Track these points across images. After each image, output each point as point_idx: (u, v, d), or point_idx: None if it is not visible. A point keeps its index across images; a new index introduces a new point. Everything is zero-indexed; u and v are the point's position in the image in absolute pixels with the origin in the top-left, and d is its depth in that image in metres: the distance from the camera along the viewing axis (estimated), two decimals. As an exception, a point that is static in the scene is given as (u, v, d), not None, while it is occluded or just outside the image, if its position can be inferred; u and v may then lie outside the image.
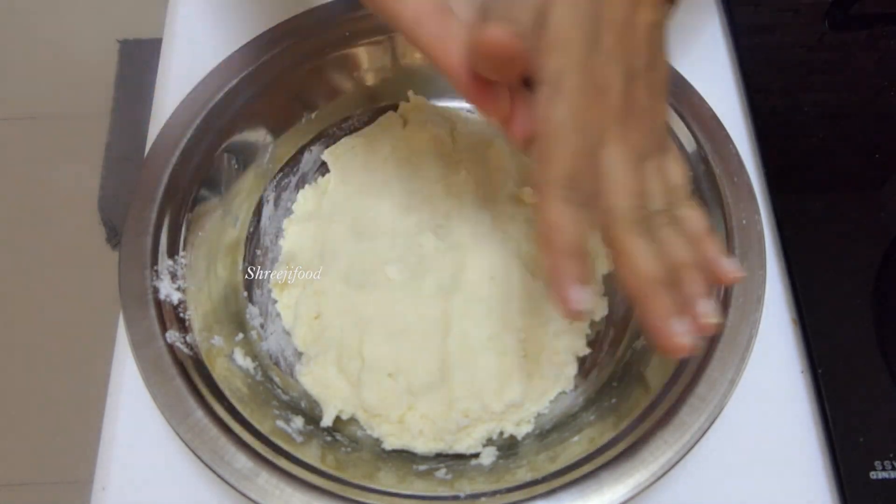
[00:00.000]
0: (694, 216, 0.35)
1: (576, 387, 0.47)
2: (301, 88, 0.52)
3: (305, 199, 0.52)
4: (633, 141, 0.32)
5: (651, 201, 0.33)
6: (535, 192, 0.32)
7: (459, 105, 0.55)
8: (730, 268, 0.35)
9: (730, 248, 0.44)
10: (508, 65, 0.32)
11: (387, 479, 0.40)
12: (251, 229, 0.51)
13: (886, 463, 0.43)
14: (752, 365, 0.40)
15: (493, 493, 0.38)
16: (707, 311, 0.33)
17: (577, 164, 0.31)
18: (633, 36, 0.32)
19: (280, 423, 0.42)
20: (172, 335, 0.41)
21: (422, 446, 0.43)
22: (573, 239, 0.30)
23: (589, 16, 0.31)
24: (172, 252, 0.44)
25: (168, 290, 0.43)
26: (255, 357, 0.46)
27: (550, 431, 0.44)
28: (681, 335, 0.32)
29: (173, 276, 0.44)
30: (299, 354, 0.48)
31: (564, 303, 0.31)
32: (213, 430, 0.38)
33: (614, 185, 0.32)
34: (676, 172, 0.35)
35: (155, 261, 0.43)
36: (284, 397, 0.45)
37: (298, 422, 0.43)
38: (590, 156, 0.31)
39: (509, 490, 0.38)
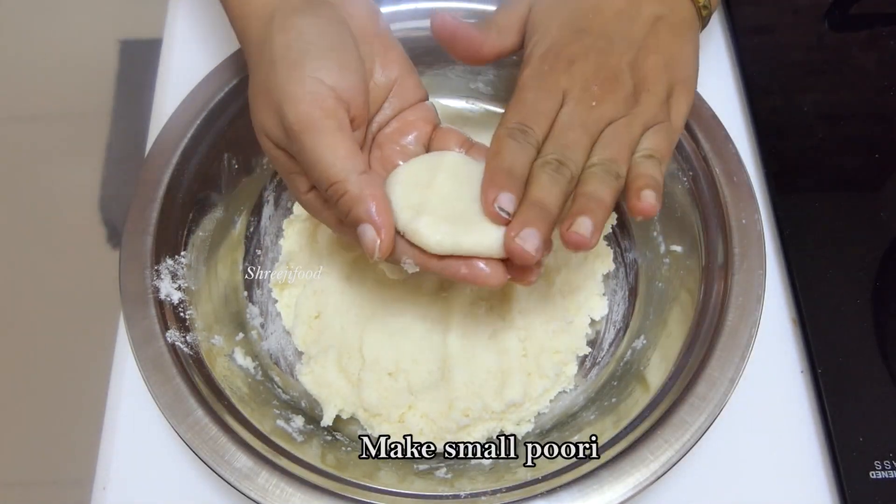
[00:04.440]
0: (603, 198, 0.36)
1: (576, 386, 0.47)
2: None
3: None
4: (602, 105, 0.38)
5: (575, 154, 0.37)
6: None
7: (460, 105, 0.55)
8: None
9: (730, 248, 0.44)
10: None
11: (387, 479, 0.40)
12: (251, 229, 0.51)
13: (886, 463, 0.43)
14: (752, 364, 0.40)
15: (494, 492, 0.38)
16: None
17: (528, 113, 0.38)
18: (628, 20, 0.40)
19: (280, 423, 0.42)
20: (173, 335, 0.41)
21: (422, 446, 0.43)
22: (509, 161, 0.36)
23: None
24: (173, 252, 0.44)
25: (168, 290, 0.43)
26: (255, 357, 0.46)
27: (551, 430, 0.44)
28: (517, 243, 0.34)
29: (174, 276, 0.44)
30: (299, 354, 0.48)
31: (488, 204, 0.35)
32: (214, 430, 0.38)
33: (551, 134, 0.38)
34: (649, 145, 0.38)
35: (155, 260, 0.43)
36: (284, 397, 0.45)
37: (298, 421, 0.43)
38: (544, 112, 0.38)
39: (509, 489, 0.38)
